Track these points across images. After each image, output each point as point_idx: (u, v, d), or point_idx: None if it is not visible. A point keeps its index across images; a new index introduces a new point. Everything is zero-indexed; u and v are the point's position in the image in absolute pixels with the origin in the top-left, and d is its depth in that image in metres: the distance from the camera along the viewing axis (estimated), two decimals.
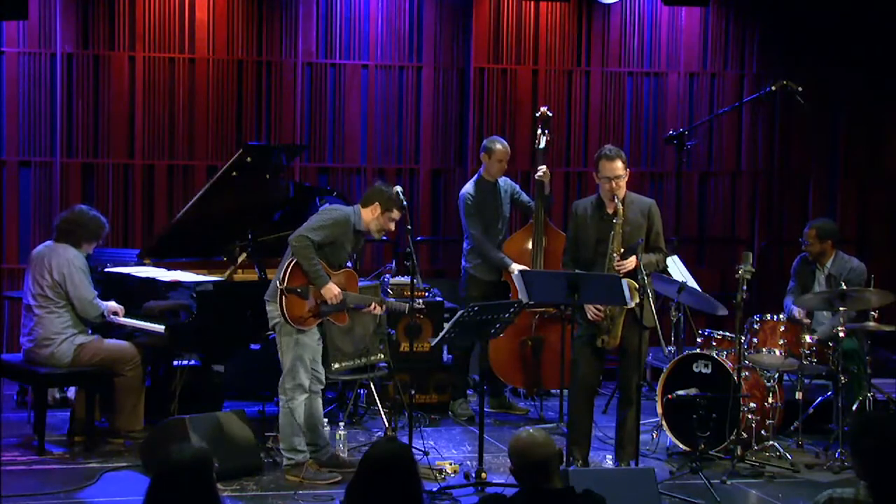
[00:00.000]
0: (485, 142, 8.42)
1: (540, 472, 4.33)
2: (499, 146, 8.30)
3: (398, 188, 6.96)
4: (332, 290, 6.68)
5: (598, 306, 6.72)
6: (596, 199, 6.91)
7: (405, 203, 6.87)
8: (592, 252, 6.82)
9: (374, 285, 7.89)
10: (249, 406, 7.75)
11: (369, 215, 6.83)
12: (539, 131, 8.37)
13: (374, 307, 6.95)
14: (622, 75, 10.28)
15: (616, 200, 6.72)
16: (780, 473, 7.16)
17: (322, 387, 6.96)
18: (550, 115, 8.42)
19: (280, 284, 6.68)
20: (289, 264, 6.71)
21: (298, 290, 6.68)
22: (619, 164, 6.75)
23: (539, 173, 8.24)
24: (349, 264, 6.98)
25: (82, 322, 7.40)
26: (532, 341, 8.45)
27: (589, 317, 6.76)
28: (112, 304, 7.44)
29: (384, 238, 9.20)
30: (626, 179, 6.82)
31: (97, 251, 7.69)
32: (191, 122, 9.57)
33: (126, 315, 7.47)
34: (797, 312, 7.89)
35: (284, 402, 6.77)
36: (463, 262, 8.44)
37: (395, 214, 6.85)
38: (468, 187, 8.36)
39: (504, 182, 8.41)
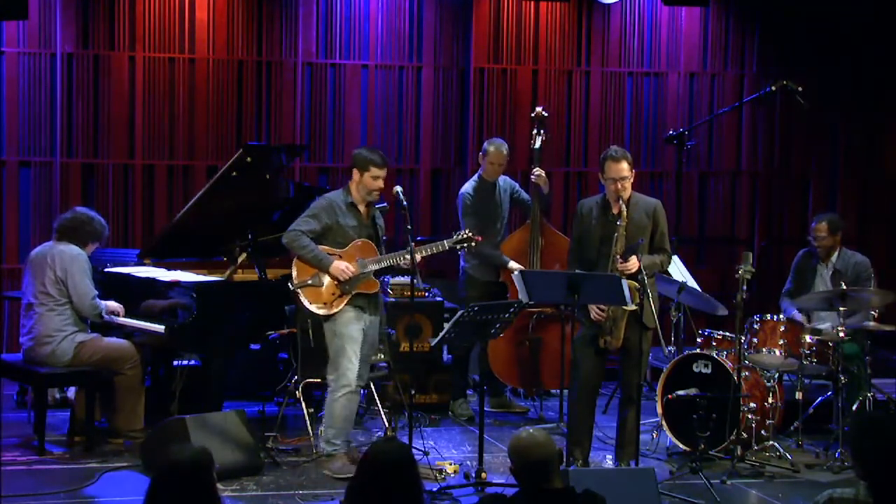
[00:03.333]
0: (485, 144, 8.41)
1: (540, 472, 4.33)
2: (492, 148, 8.26)
3: (398, 188, 6.96)
4: (338, 267, 6.77)
5: (601, 306, 6.71)
6: (601, 200, 6.89)
7: (400, 192, 6.85)
8: (596, 252, 6.81)
9: None
10: (249, 406, 7.75)
11: (353, 184, 6.89)
12: (534, 131, 8.36)
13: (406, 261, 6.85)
14: (622, 75, 10.28)
15: (621, 202, 6.71)
16: (780, 473, 7.16)
17: (361, 384, 7.02)
18: (546, 115, 8.41)
19: (291, 285, 6.80)
20: (293, 264, 6.84)
21: (309, 281, 6.82)
22: (624, 166, 6.73)
23: (534, 176, 8.21)
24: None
25: (82, 320, 7.40)
26: (530, 341, 8.44)
27: (592, 317, 6.75)
28: (112, 304, 7.43)
29: (384, 238, 9.18)
30: (632, 181, 6.80)
31: (97, 251, 7.68)
32: (191, 122, 9.57)
33: (126, 315, 7.47)
34: (797, 315, 7.92)
35: (329, 392, 6.87)
36: (461, 263, 8.43)
37: (375, 171, 6.84)
38: (467, 187, 8.36)
39: (503, 181, 8.40)
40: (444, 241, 6.98)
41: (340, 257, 6.85)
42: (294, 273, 6.88)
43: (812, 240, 8.20)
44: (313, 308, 6.85)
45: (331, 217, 6.88)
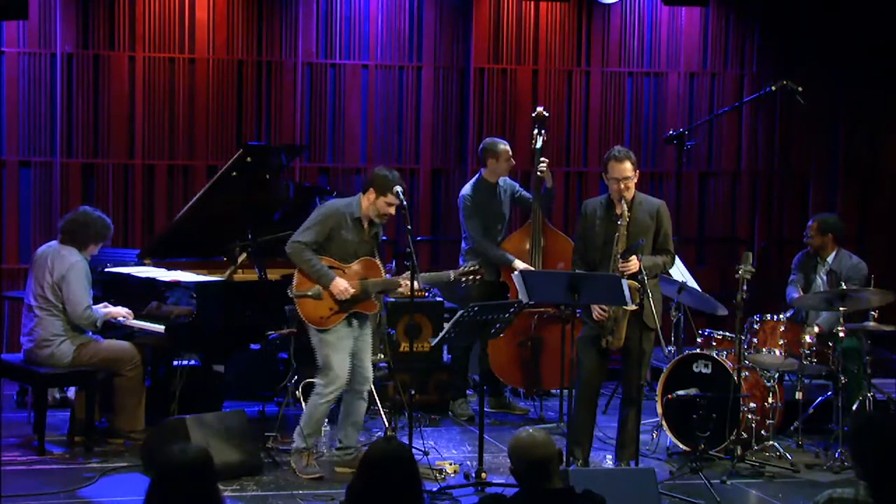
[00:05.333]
0: (486, 144, 8.35)
1: (540, 472, 4.33)
2: (502, 146, 8.28)
3: (398, 188, 6.95)
4: (338, 286, 6.70)
5: (603, 306, 6.71)
6: (605, 200, 6.88)
7: (400, 192, 6.84)
8: (600, 253, 6.80)
9: None
10: (249, 406, 7.75)
11: (366, 202, 6.80)
12: (535, 131, 8.36)
13: (405, 286, 6.84)
14: (622, 75, 10.28)
15: (623, 202, 6.70)
16: (780, 473, 7.16)
17: (367, 386, 6.97)
18: (546, 115, 8.41)
19: (291, 292, 6.75)
20: (296, 271, 6.79)
21: (309, 293, 6.74)
22: (627, 166, 6.72)
23: (542, 167, 8.20)
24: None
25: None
26: (531, 342, 8.44)
27: (594, 316, 6.75)
28: (119, 310, 7.41)
29: (383, 238, 9.18)
30: (636, 181, 6.79)
31: (98, 250, 7.68)
32: (191, 122, 9.58)
33: None
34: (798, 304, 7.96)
35: (313, 394, 6.84)
36: (461, 263, 8.42)
37: (391, 199, 6.76)
38: (467, 188, 8.35)
39: (504, 182, 8.39)
40: (450, 273, 6.95)
41: (344, 272, 6.80)
42: (295, 281, 6.82)
43: (804, 237, 8.24)
44: (308, 322, 6.80)
45: (335, 228, 6.79)
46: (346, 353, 6.80)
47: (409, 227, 6.80)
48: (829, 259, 8.12)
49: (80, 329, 7.35)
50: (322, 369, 6.80)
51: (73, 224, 7.45)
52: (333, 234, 6.79)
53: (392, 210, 6.84)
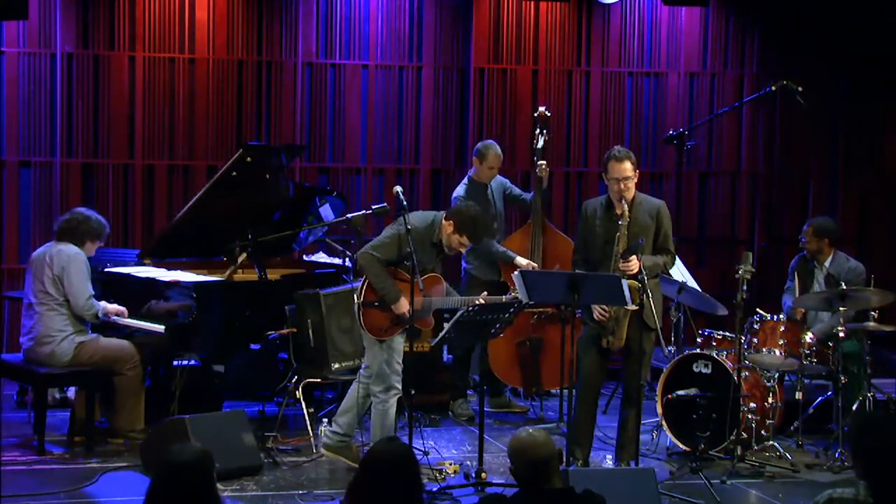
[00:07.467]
0: (479, 145, 8.39)
1: (540, 472, 4.33)
2: (491, 153, 8.27)
3: (398, 188, 6.95)
4: (403, 307, 6.70)
5: (604, 306, 6.70)
6: (605, 200, 6.88)
7: (400, 193, 6.81)
8: (600, 253, 6.80)
9: None
10: (249, 406, 7.75)
11: (446, 229, 6.82)
12: (537, 131, 8.36)
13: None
14: (622, 75, 10.28)
15: (623, 202, 6.70)
16: (780, 473, 7.16)
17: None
18: (549, 115, 8.41)
19: (357, 299, 6.76)
20: (365, 279, 6.78)
21: (375, 303, 6.75)
22: (627, 166, 6.72)
23: (540, 168, 8.22)
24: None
25: (82, 321, 7.40)
26: (531, 342, 8.44)
27: (595, 317, 6.75)
28: (114, 307, 7.43)
29: None
30: (636, 181, 6.79)
31: (98, 251, 7.68)
32: (191, 122, 9.58)
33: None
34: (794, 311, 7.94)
35: (376, 403, 6.82)
36: (462, 263, 8.43)
37: (466, 241, 6.82)
38: (459, 189, 8.34)
39: (494, 181, 8.40)
40: (503, 297, 6.94)
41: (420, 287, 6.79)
42: (362, 289, 6.79)
43: (800, 241, 8.23)
44: (367, 331, 6.79)
45: (406, 249, 6.72)
46: (401, 357, 6.82)
47: (409, 227, 6.80)
48: (827, 263, 8.12)
49: (81, 324, 7.36)
50: (379, 376, 6.81)
51: (69, 223, 7.47)
52: (405, 253, 6.75)
53: (463, 249, 6.94)
